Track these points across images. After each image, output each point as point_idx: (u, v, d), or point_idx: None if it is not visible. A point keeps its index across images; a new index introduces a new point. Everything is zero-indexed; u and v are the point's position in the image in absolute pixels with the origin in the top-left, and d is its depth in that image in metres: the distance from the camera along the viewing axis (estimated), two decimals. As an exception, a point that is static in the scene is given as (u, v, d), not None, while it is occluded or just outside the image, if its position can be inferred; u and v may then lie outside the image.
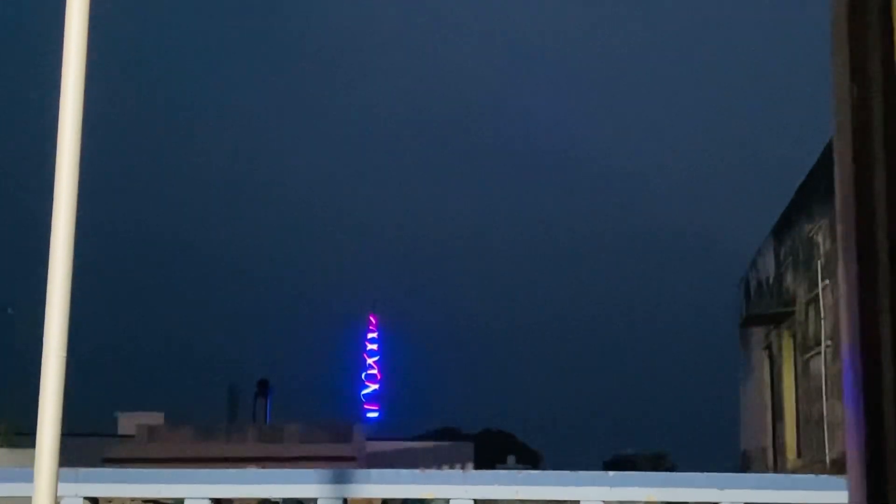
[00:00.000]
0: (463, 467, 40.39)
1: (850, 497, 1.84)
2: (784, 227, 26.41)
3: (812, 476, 9.92)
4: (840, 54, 1.87)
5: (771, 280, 27.76)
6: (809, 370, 23.77)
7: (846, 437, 1.85)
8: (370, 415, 56.62)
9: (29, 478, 4.27)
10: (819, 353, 22.73)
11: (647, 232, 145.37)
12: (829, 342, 22.04)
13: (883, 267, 1.82)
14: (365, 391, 57.40)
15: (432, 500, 9.37)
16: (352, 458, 38.47)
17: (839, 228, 1.89)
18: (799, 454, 25.25)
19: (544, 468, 46.01)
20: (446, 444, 54.03)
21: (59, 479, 4.33)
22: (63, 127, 4.39)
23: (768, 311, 27.07)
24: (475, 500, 8.57)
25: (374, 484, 8.91)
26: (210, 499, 8.65)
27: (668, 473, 9.76)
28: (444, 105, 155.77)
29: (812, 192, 23.29)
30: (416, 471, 9.19)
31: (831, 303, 21.74)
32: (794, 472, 22.64)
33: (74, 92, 4.44)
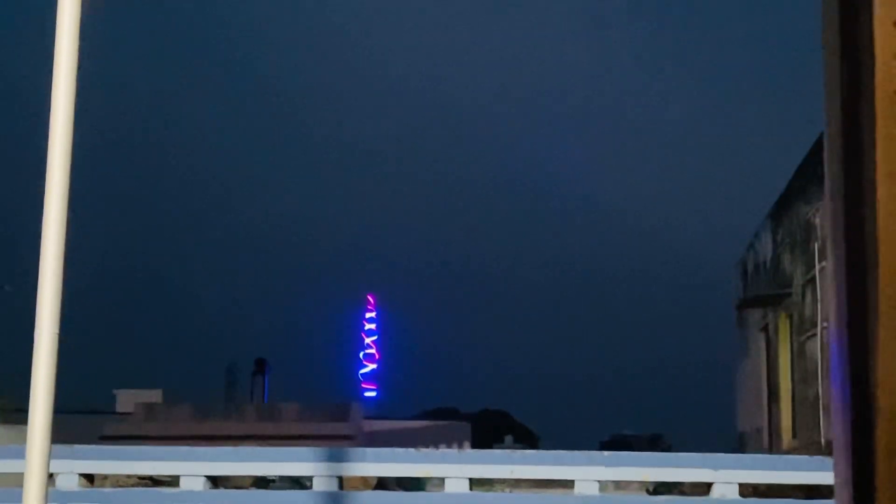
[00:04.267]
0: (460, 447, 40.49)
1: (836, 476, 1.85)
2: (781, 209, 26.41)
3: (806, 457, 9.95)
4: (831, 50, 1.88)
5: (768, 262, 27.78)
6: (806, 352, 23.82)
7: (832, 418, 1.86)
8: (368, 394, 56.72)
9: (23, 454, 4.28)
10: (815, 334, 22.78)
11: (643, 214, 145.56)
12: (825, 324, 22.07)
13: (871, 252, 1.83)
14: (363, 370, 57.51)
15: (428, 478, 9.40)
16: (349, 437, 38.52)
17: (829, 217, 1.90)
18: (794, 435, 25.32)
19: (542, 448, 46.06)
20: (443, 423, 54.09)
21: (53, 455, 4.34)
22: (56, 104, 4.39)
23: (765, 292, 27.10)
24: (471, 479, 8.61)
25: (371, 462, 8.93)
26: (206, 476, 8.68)
27: (663, 454, 9.79)
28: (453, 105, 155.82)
29: (810, 175, 23.29)
30: (413, 450, 9.22)
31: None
32: (789, 452, 22.72)
33: (66, 80, 4.43)
